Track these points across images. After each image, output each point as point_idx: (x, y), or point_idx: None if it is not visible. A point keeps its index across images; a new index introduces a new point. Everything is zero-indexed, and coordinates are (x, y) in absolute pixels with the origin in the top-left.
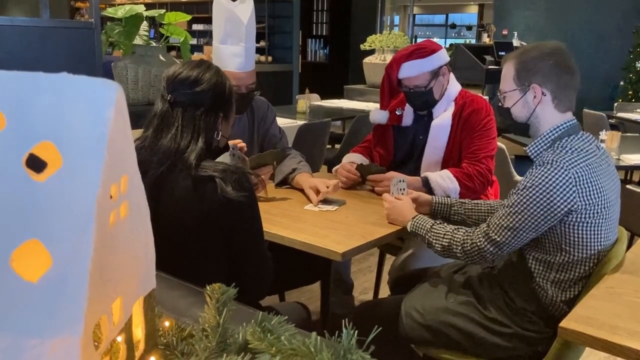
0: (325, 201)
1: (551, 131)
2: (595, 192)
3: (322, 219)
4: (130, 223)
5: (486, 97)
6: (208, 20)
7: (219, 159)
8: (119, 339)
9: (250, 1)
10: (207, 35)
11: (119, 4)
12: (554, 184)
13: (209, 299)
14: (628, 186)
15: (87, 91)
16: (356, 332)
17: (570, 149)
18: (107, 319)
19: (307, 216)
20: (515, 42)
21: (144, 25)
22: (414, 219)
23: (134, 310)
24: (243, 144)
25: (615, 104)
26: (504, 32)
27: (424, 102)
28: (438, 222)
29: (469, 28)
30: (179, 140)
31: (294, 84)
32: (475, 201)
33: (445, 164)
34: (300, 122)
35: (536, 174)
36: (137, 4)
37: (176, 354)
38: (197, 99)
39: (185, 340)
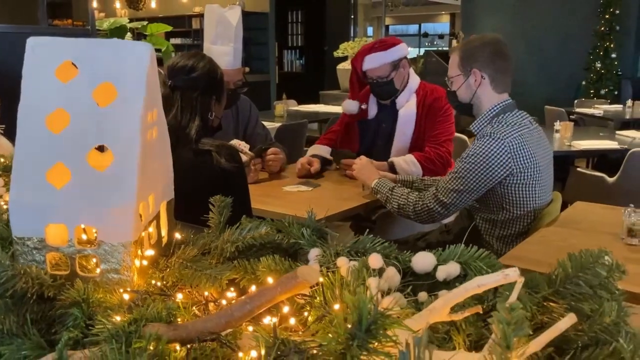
0: (303, 184)
1: (490, 109)
2: (527, 158)
3: (299, 197)
4: (159, 142)
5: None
6: (186, 34)
7: None
8: (151, 229)
9: (238, 8)
10: (185, 48)
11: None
12: (492, 152)
13: None
14: (578, 168)
15: (132, 49)
16: None
17: (506, 123)
18: (147, 204)
19: (286, 195)
20: None
21: (128, 35)
22: (379, 179)
23: (160, 209)
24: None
25: (576, 101)
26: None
27: (387, 91)
28: (398, 186)
29: (441, 37)
30: (179, 118)
31: (272, 92)
32: (433, 177)
33: (412, 149)
34: (279, 124)
35: (477, 145)
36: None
37: None
38: (193, 83)
39: None
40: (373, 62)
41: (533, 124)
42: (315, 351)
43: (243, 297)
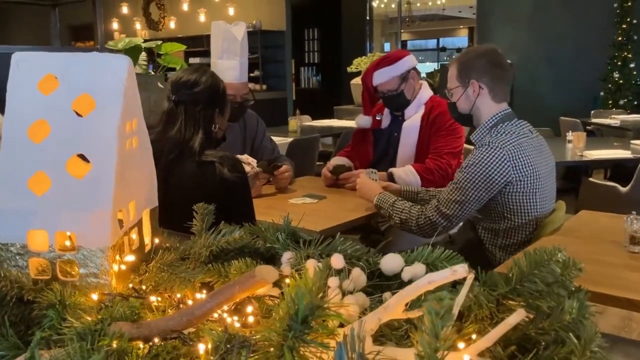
0: (308, 196)
1: (489, 119)
2: (526, 166)
3: (304, 208)
4: (139, 152)
5: None
6: (204, 54)
7: None
8: (133, 236)
9: (243, 24)
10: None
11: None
12: (491, 161)
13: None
14: (590, 179)
15: (109, 61)
16: None
17: (505, 132)
18: (126, 211)
19: (291, 207)
20: None
21: (143, 55)
22: (380, 194)
23: (144, 216)
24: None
25: (592, 112)
26: None
27: (399, 103)
28: (399, 200)
29: (459, 50)
30: (183, 132)
31: (288, 109)
32: (439, 189)
33: (417, 160)
34: (291, 139)
35: (476, 154)
36: (148, 40)
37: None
38: (196, 97)
39: None
40: (382, 77)
41: (533, 132)
42: (260, 343)
43: (204, 296)
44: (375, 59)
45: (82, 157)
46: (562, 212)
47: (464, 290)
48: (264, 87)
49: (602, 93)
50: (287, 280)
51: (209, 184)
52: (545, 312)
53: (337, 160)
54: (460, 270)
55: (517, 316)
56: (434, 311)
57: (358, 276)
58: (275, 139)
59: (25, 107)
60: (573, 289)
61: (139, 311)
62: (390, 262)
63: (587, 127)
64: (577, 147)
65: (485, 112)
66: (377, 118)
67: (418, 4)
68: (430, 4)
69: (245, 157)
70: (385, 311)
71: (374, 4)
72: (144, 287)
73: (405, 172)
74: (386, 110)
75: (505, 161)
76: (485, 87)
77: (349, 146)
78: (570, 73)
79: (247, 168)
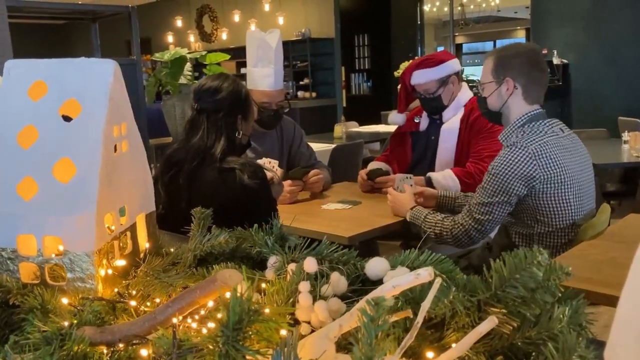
0: (342, 201)
1: (518, 119)
2: (553, 165)
3: (336, 214)
4: (130, 156)
5: None
6: None
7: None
8: (129, 240)
9: (277, 31)
10: None
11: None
12: (515, 161)
13: None
14: None
15: (95, 66)
16: None
17: (532, 131)
18: (115, 215)
19: (324, 213)
20: (556, 60)
21: (188, 66)
22: (412, 210)
23: (138, 221)
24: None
25: None
26: (543, 52)
27: (434, 107)
28: (431, 212)
29: None
30: (205, 139)
31: (338, 116)
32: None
33: (456, 164)
34: (334, 145)
35: (502, 154)
36: (192, 52)
37: None
38: (218, 105)
39: None
40: (420, 78)
41: (565, 131)
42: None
43: (167, 302)
44: (419, 58)
45: (68, 160)
46: (605, 215)
47: (430, 295)
48: (314, 94)
49: None
50: (263, 285)
51: (229, 190)
52: (532, 320)
53: (373, 165)
54: (424, 274)
55: (488, 324)
56: (368, 317)
57: (337, 281)
58: (317, 145)
59: (15, 113)
60: (560, 294)
61: (103, 316)
62: (375, 266)
63: None
64: (633, 147)
65: (515, 112)
66: (415, 121)
67: (471, 6)
68: (484, 5)
69: (265, 161)
70: (350, 318)
71: (426, 8)
72: (134, 292)
73: (444, 177)
74: (425, 113)
75: (530, 160)
76: (520, 87)
77: (387, 150)
78: (631, 72)
79: (269, 174)
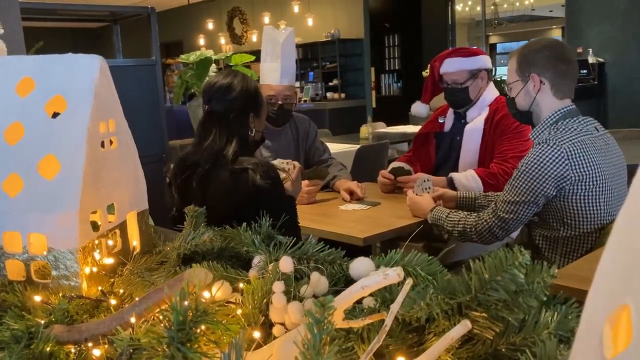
0: (360, 202)
1: (550, 116)
2: (587, 165)
3: (354, 215)
4: (119, 153)
5: None
6: None
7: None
8: (119, 238)
9: (290, 29)
10: None
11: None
12: (547, 158)
13: None
14: None
15: (82, 62)
16: None
17: (565, 129)
18: (102, 213)
19: (341, 214)
20: (591, 59)
21: (213, 67)
22: (432, 211)
23: (129, 219)
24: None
25: None
26: (578, 50)
27: (460, 99)
28: (452, 211)
29: None
30: (217, 141)
31: (368, 117)
32: (497, 193)
33: (480, 165)
34: (359, 146)
35: (533, 152)
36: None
37: None
38: (229, 105)
39: None
40: (451, 66)
41: (599, 130)
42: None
43: (135, 301)
44: (452, 49)
45: (53, 157)
46: None
47: (400, 297)
48: (343, 95)
49: None
50: (241, 285)
51: (242, 191)
52: (516, 325)
53: (395, 164)
54: (392, 274)
55: (461, 328)
56: (314, 319)
57: (316, 281)
58: (341, 146)
59: (3, 110)
60: (547, 298)
61: (71, 314)
62: (359, 266)
63: None
64: None
65: (546, 109)
66: (439, 121)
67: (505, 5)
68: (517, 4)
69: (280, 161)
70: None
71: (458, 8)
72: (121, 291)
73: (466, 177)
74: (449, 113)
75: (563, 159)
76: (547, 82)
77: (411, 151)
78: None
79: (283, 175)
